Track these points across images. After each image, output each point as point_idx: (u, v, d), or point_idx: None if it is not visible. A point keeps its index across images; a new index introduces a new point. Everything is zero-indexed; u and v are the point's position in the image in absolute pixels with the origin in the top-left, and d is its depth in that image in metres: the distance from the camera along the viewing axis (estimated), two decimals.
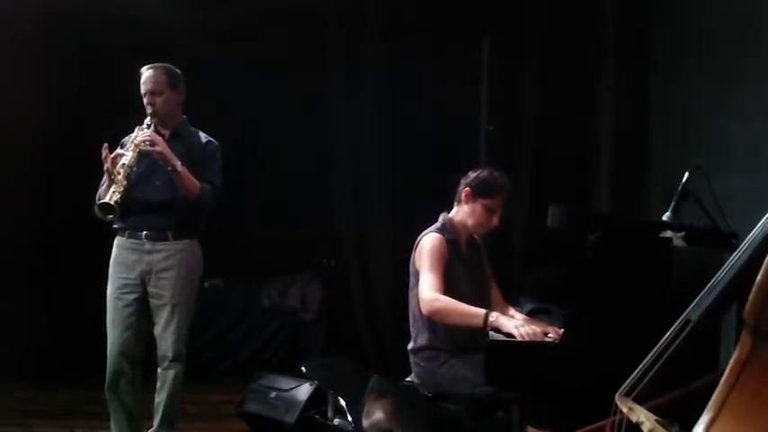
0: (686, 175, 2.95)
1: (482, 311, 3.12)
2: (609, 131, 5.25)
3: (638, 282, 2.78)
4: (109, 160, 3.61)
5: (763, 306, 1.55)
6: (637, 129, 5.11)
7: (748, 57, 3.92)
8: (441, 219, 3.46)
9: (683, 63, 4.63)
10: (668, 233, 2.86)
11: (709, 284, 1.93)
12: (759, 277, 1.56)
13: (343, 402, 3.96)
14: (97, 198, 3.73)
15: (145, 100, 3.82)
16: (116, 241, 3.86)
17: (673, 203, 2.95)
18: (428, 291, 3.22)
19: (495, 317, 3.09)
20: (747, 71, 3.93)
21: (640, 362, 1.88)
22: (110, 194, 3.56)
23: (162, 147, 3.69)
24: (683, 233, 2.84)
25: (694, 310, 1.90)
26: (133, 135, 3.74)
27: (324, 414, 4.13)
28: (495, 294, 3.60)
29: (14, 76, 5.27)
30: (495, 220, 3.41)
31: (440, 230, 3.40)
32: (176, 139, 3.87)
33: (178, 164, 3.69)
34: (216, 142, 3.95)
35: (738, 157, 3.92)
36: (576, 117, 5.43)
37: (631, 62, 5.12)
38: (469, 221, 3.42)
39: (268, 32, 5.71)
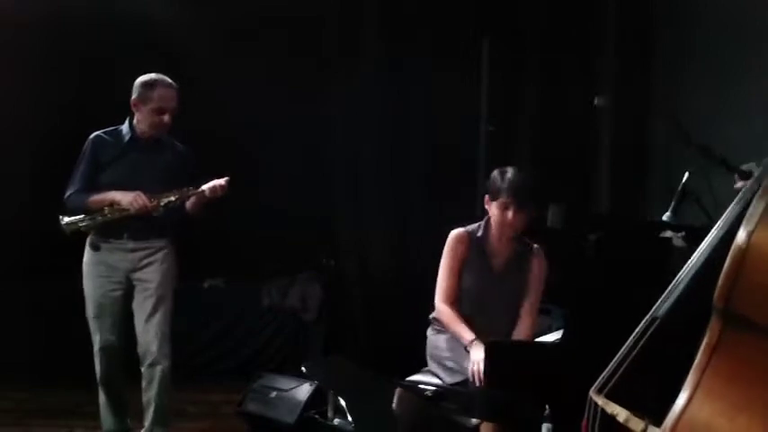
0: (686, 175, 2.95)
1: (469, 339, 3.19)
2: (609, 131, 5.25)
3: (638, 282, 2.78)
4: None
5: (732, 290, 1.56)
6: (637, 129, 5.11)
7: (748, 57, 3.92)
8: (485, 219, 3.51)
9: (683, 63, 4.62)
10: (668, 233, 2.86)
11: (674, 281, 1.93)
12: (727, 262, 1.57)
13: (343, 402, 3.96)
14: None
15: (162, 117, 3.79)
16: (92, 240, 3.88)
17: (673, 203, 2.95)
18: (438, 299, 3.40)
19: (472, 347, 3.16)
20: (747, 71, 3.93)
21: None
22: (84, 221, 3.72)
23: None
24: (683, 233, 2.84)
25: (659, 307, 1.91)
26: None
27: (324, 414, 4.12)
28: (526, 305, 3.50)
29: (14, 76, 5.26)
30: (509, 216, 3.36)
31: (469, 226, 3.47)
32: (159, 150, 3.88)
33: (187, 204, 3.82)
34: (189, 149, 3.96)
35: (738, 157, 3.92)
36: (576, 117, 5.43)
37: (631, 62, 5.12)
38: (493, 223, 3.45)
39: (268, 33, 5.71)
